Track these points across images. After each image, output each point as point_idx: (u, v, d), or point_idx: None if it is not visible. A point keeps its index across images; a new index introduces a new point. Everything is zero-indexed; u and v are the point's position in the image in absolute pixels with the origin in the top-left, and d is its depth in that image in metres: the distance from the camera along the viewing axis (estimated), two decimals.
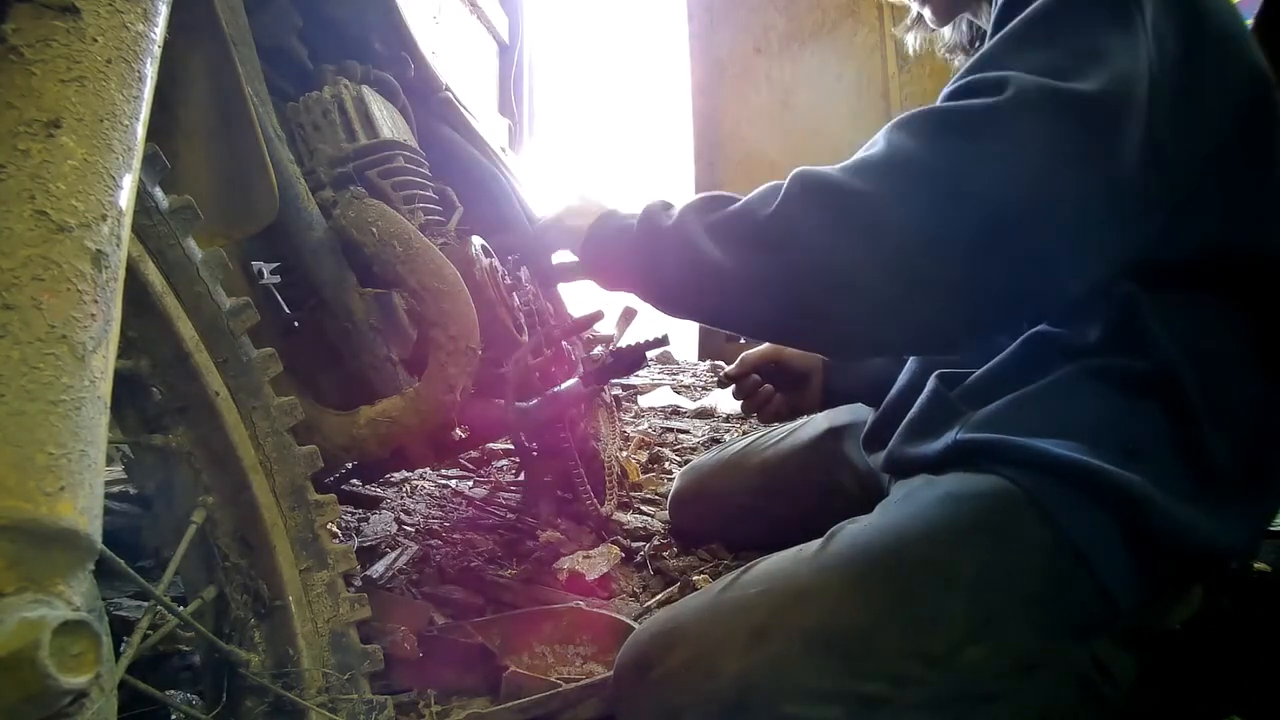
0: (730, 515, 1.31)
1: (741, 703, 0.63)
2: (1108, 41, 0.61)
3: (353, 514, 1.50)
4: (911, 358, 0.92)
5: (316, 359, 0.93)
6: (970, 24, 0.97)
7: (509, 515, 1.54)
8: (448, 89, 1.24)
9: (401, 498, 1.66)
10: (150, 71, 0.44)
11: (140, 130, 0.42)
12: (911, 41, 1.05)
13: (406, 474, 1.79)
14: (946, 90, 0.65)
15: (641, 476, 1.78)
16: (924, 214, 0.59)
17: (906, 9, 1.01)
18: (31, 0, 0.38)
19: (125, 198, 0.40)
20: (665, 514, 1.49)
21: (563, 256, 0.93)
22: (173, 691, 0.80)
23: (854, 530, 0.72)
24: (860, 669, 0.63)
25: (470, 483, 1.82)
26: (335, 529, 1.39)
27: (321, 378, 0.93)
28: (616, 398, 1.90)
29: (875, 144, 0.65)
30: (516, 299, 1.15)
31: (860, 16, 3.96)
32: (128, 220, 0.41)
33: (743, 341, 1.09)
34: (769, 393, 1.23)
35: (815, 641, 0.64)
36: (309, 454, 0.67)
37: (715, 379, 1.23)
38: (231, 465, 0.61)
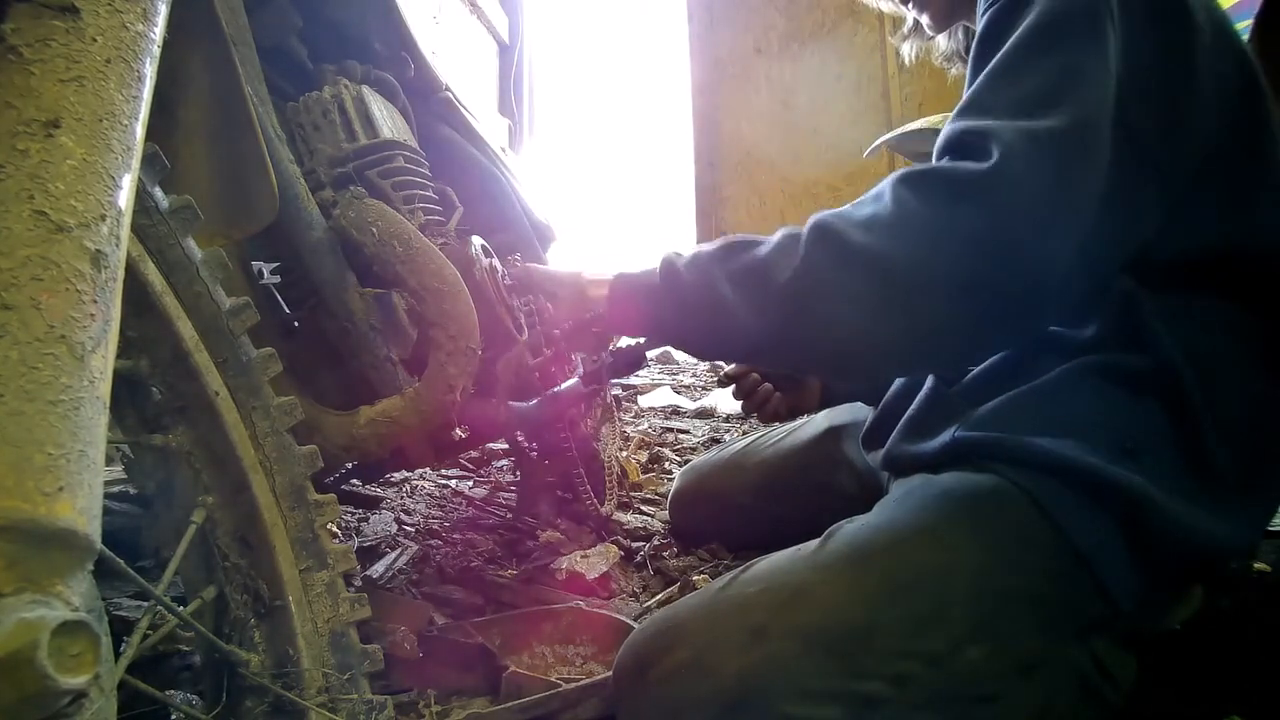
0: (730, 515, 1.31)
1: (741, 702, 0.63)
2: (1080, 61, 0.63)
3: (353, 514, 1.50)
4: None
5: (316, 359, 0.93)
6: (966, 30, 0.97)
7: (509, 515, 1.54)
8: (448, 89, 1.24)
9: (401, 498, 1.66)
10: (150, 71, 0.44)
11: (139, 130, 0.42)
12: (908, 51, 1.06)
13: (406, 474, 1.79)
14: (943, 136, 0.67)
15: (641, 476, 1.78)
16: (936, 274, 0.62)
17: (904, 17, 1.01)
18: (31, 0, 0.38)
19: (124, 198, 0.40)
20: (665, 514, 1.49)
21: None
22: (173, 691, 0.80)
23: (852, 529, 0.72)
24: (859, 668, 0.63)
25: (470, 483, 1.82)
26: (335, 529, 1.39)
27: (321, 378, 0.93)
28: (616, 398, 1.90)
29: (881, 197, 0.66)
30: (516, 299, 1.15)
31: (860, 17, 3.95)
32: (127, 220, 0.41)
33: None
34: (768, 392, 1.23)
35: (814, 641, 0.64)
36: (309, 454, 0.67)
37: (715, 379, 1.23)
38: (231, 465, 0.61)
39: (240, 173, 0.71)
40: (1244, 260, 0.68)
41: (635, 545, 1.36)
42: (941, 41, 0.99)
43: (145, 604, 0.85)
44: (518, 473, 1.80)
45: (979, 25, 0.71)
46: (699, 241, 4.66)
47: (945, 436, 0.74)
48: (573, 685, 0.82)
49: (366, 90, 1.00)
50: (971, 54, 0.71)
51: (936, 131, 2.81)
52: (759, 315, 0.69)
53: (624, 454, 1.86)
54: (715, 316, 0.71)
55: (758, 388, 1.23)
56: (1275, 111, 0.68)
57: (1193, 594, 0.74)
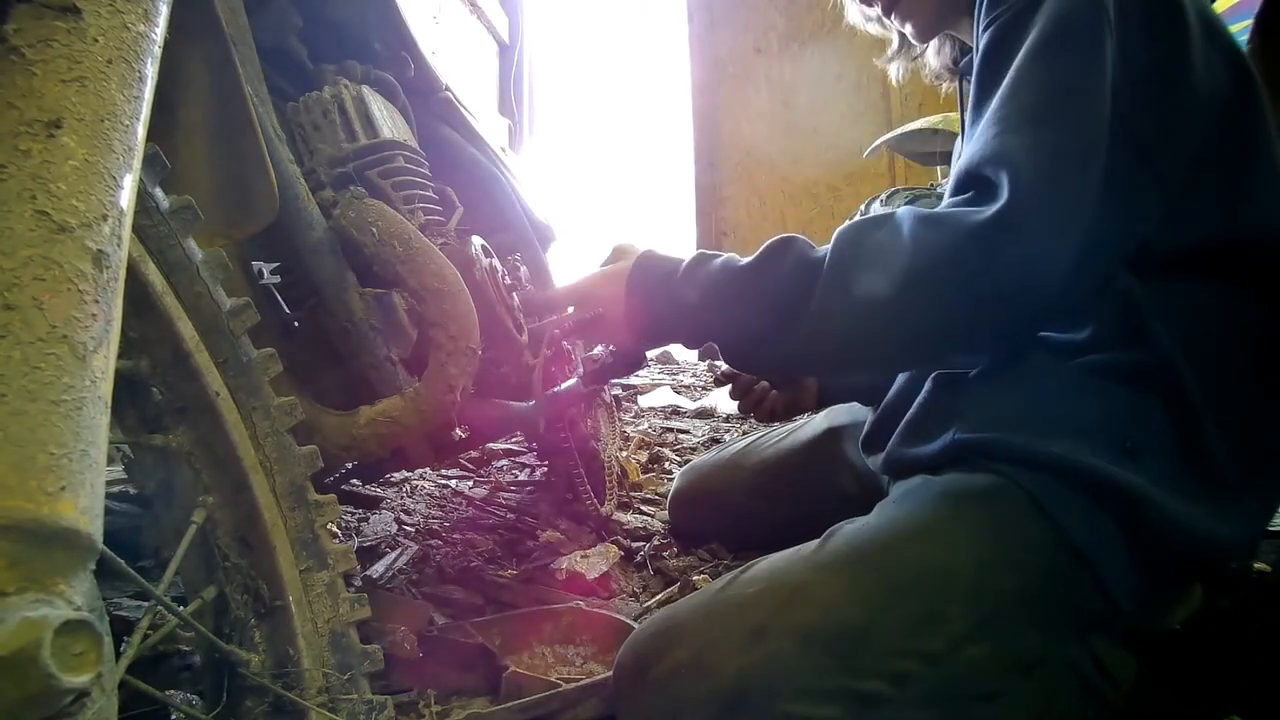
0: (730, 515, 1.31)
1: (740, 701, 0.63)
2: (1080, 78, 0.64)
3: (353, 514, 1.50)
4: None
5: (316, 359, 0.93)
6: (953, 41, 0.97)
7: (509, 515, 1.54)
8: (448, 89, 1.24)
9: (401, 498, 1.66)
10: (151, 71, 0.44)
11: (141, 130, 0.42)
12: (894, 72, 1.06)
13: (406, 474, 1.79)
14: (956, 173, 0.69)
15: (641, 476, 1.78)
16: (949, 318, 0.66)
17: (889, 38, 1.01)
18: (32, 0, 0.38)
19: (126, 198, 0.40)
20: (665, 514, 1.49)
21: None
22: (173, 691, 0.80)
23: (852, 530, 0.72)
24: (859, 667, 0.63)
25: (470, 483, 1.82)
26: (335, 529, 1.39)
27: (321, 378, 0.93)
28: (616, 398, 1.90)
29: (899, 232, 0.67)
30: (516, 299, 1.15)
31: None
32: (128, 220, 0.41)
33: None
34: (764, 390, 1.23)
35: (813, 640, 0.64)
36: (309, 454, 0.67)
37: (714, 378, 1.22)
38: (231, 465, 0.61)
39: (240, 173, 0.71)
40: (1242, 254, 0.68)
41: (635, 545, 1.36)
42: (931, 59, 1.00)
43: (145, 604, 0.85)
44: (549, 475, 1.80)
45: (980, 42, 0.71)
46: (698, 242, 4.66)
47: (945, 438, 0.74)
48: (573, 685, 0.82)
49: (366, 90, 1.00)
50: (976, 70, 0.72)
51: (936, 131, 2.82)
52: (774, 343, 0.73)
53: (624, 454, 1.86)
54: (751, 346, 0.76)
55: (754, 387, 1.23)
56: (1269, 106, 0.69)
57: (1193, 594, 0.74)
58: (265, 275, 0.92)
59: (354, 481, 1.31)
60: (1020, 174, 0.62)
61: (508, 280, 1.09)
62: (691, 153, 4.74)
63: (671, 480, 1.57)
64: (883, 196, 2.48)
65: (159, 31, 0.45)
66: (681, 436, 2.33)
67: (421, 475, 1.83)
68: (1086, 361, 0.70)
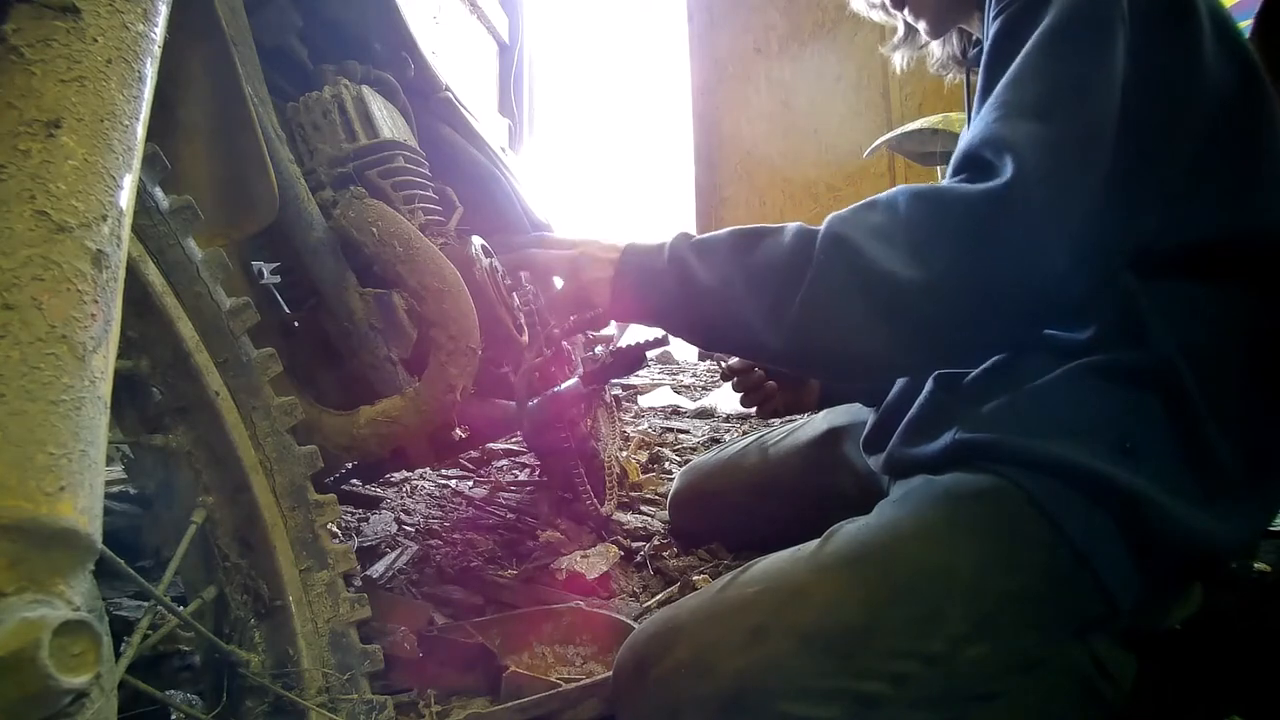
0: (730, 515, 1.31)
1: (740, 702, 0.63)
2: (1089, 68, 0.63)
3: (353, 514, 1.50)
4: None
5: (316, 359, 0.93)
6: (961, 33, 0.97)
7: (509, 515, 1.54)
8: (448, 89, 1.24)
9: (401, 498, 1.66)
10: (151, 71, 0.44)
11: (140, 130, 0.42)
12: (899, 60, 1.06)
13: (406, 474, 1.79)
14: (959, 151, 0.68)
15: (641, 476, 1.78)
16: (949, 294, 0.63)
17: (895, 26, 1.01)
18: (32, 0, 0.38)
19: (125, 198, 0.40)
20: (665, 514, 1.49)
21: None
22: (173, 691, 0.80)
23: (852, 530, 0.72)
24: (859, 668, 0.63)
25: (470, 483, 1.82)
26: (335, 529, 1.39)
27: (321, 378, 0.93)
28: (616, 398, 1.90)
29: (895, 209, 0.66)
30: (516, 299, 1.15)
31: (860, 17, 3.96)
32: (128, 220, 0.41)
33: None
34: (771, 389, 1.23)
35: (813, 640, 0.64)
36: (309, 454, 0.67)
37: (718, 374, 1.22)
38: (231, 465, 0.61)
39: (240, 173, 0.71)
40: (1244, 252, 0.68)
41: (635, 545, 1.36)
42: (936, 49, 0.99)
43: (145, 604, 0.85)
44: (533, 471, 1.80)
45: (990, 29, 0.71)
46: None
47: (946, 439, 0.74)
48: (573, 685, 0.82)
49: (366, 90, 1.00)
50: (984, 59, 0.71)
51: (936, 132, 2.81)
52: (772, 331, 0.68)
53: (624, 454, 1.86)
54: (726, 323, 0.71)
55: (761, 383, 1.23)
56: (1275, 104, 0.69)
57: (1193, 593, 0.74)
58: (265, 275, 0.92)
59: (354, 481, 1.31)
60: (1021, 156, 0.61)
61: (508, 280, 1.09)
62: (691, 153, 4.75)
63: (671, 480, 1.57)
64: None
65: (159, 31, 0.45)
66: (681, 436, 2.33)
67: (421, 475, 1.83)
68: (1086, 362, 0.70)
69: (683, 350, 4.46)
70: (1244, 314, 0.68)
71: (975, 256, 0.62)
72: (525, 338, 1.12)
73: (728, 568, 1.21)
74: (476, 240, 1.03)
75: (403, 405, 0.86)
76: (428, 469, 1.85)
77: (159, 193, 0.56)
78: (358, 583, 1.14)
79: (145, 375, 0.58)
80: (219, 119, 0.69)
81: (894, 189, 0.68)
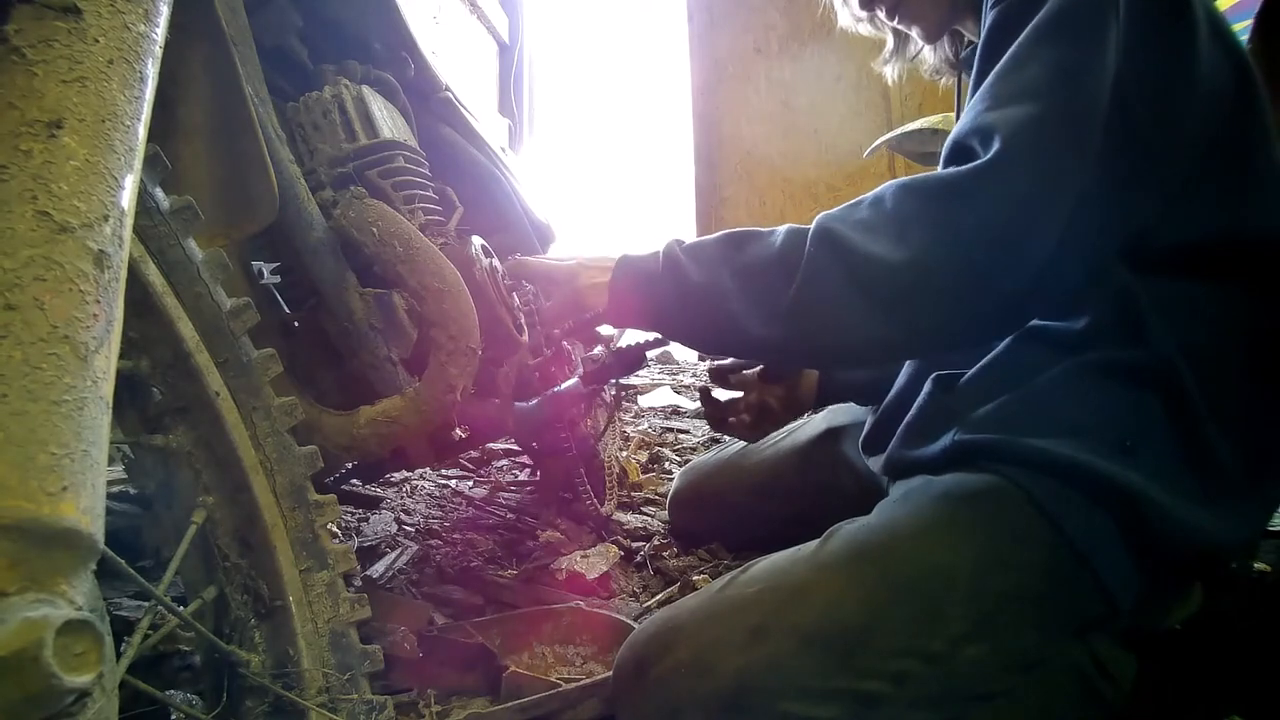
0: (730, 515, 1.31)
1: (740, 701, 0.63)
2: (1079, 56, 0.63)
3: (353, 514, 1.50)
4: (909, 362, 0.92)
5: (316, 359, 0.93)
6: (952, 35, 0.97)
7: (509, 515, 1.54)
8: (448, 89, 1.24)
9: (401, 498, 1.66)
10: (152, 72, 0.44)
11: (142, 130, 0.42)
12: (890, 73, 1.05)
13: (406, 474, 1.79)
14: (948, 144, 0.68)
15: (641, 476, 1.78)
16: (936, 275, 0.63)
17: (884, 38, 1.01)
18: (33, 1, 0.38)
19: (127, 198, 0.40)
20: (665, 514, 1.49)
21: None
22: (173, 691, 0.80)
23: (852, 530, 0.72)
24: (859, 667, 0.63)
25: (470, 483, 1.82)
26: (335, 529, 1.39)
27: (321, 378, 0.93)
28: (616, 398, 1.90)
29: (881, 202, 0.67)
30: (516, 299, 1.15)
31: None
32: (130, 220, 0.41)
33: None
34: (759, 406, 1.22)
35: (813, 640, 0.64)
36: (309, 454, 0.67)
37: (710, 367, 1.22)
38: (232, 465, 0.61)
39: (240, 173, 0.71)
40: (1242, 252, 0.68)
41: (635, 545, 1.36)
42: (928, 56, 0.99)
43: (146, 604, 0.85)
44: (531, 472, 1.80)
45: (985, 20, 0.71)
46: None
47: (945, 440, 0.74)
48: (573, 685, 0.82)
49: (366, 90, 1.00)
50: (978, 54, 0.72)
51: (936, 131, 2.82)
52: (765, 324, 0.69)
53: (624, 454, 1.86)
54: (721, 320, 0.71)
55: (750, 405, 1.22)
56: (1269, 107, 0.69)
57: (1192, 593, 0.74)
58: (265, 275, 0.92)
59: (354, 481, 1.31)
60: (1006, 135, 0.62)
61: (508, 280, 1.09)
62: (691, 153, 4.74)
63: (671, 480, 1.57)
64: None
65: (160, 32, 0.45)
66: (681, 436, 2.32)
67: (421, 475, 1.83)
68: (1084, 361, 0.70)
69: (683, 350, 4.46)
70: (1244, 314, 0.68)
71: (956, 229, 0.62)
72: (525, 338, 1.12)
73: (728, 568, 1.21)
74: (476, 240, 1.03)
75: (403, 405, 0.86)
76: (428, 469, 1.85)
77: (160, 193, 0.56)
78: (358, 583, 1.14)
79: (146, 375, 0.58)
80: (219, 119, 0.69)
81: (884, 184, 0.68)
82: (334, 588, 0.65)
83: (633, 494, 1.66)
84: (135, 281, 0.54)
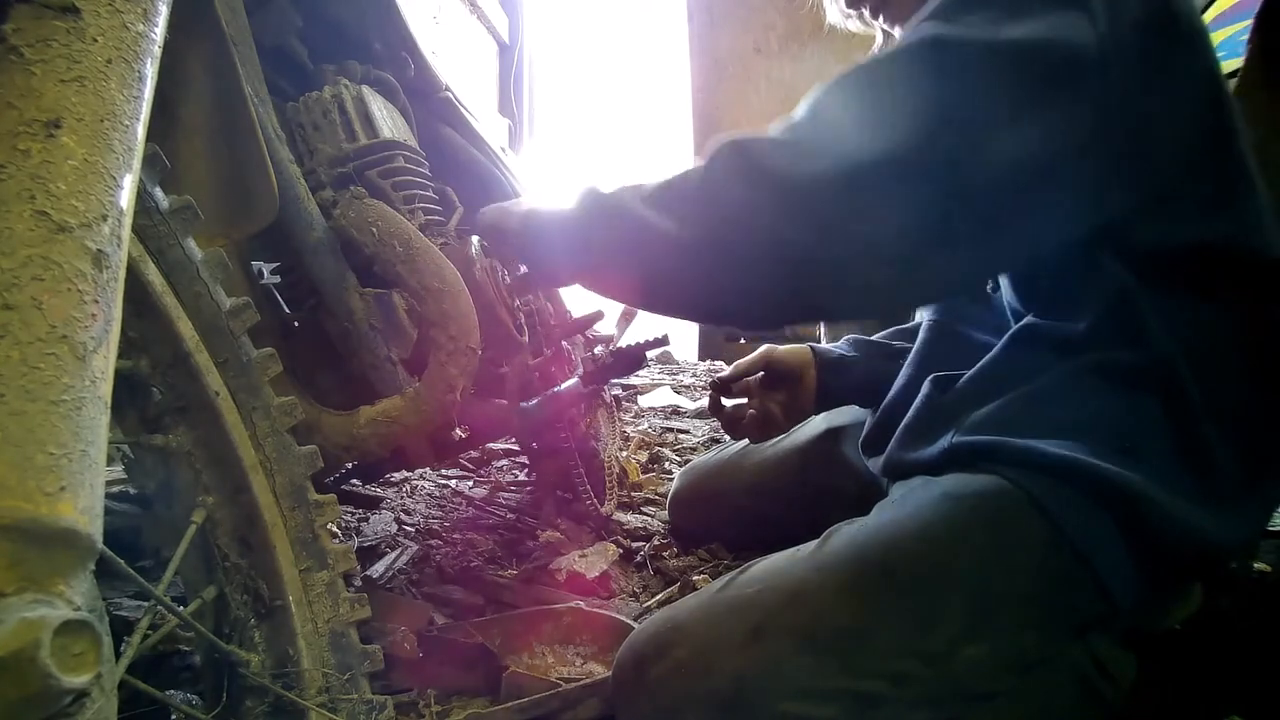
0: (729, 515, 1.31)
1: (739, 701, 0.63)
2: (1046, 20, 0.60)
3: (353, 514, 1.50)
4: (908, 362, 0.92)
5: (316, 359, 0.93)
6: None
7: (509, 515, 1.54)
8: (448, 89, 1.24)
9: (401, 498, 1.66)
10: (151, 71, 0.44)
11: (141, 130, 0.42)
12: None
13: (406, 474, 1.79)
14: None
15: (641, 476, 1.78)
16: (840, 165, 0.59)
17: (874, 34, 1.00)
18: (31, 0, 0.38)
19: (126, 198, 0.40)
20: (665, 514, 1.49)
21: None
22: (173, 691, 0.80)
23: (851, 530, 0.72)
24: (857, 667, 0.63)
25: (470, 483, 1.82)
26: (335, 529, 1.39)
27: (321, 378, 0.93)
28: (616, 398, 1.90)
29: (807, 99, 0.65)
30: (516, 299, 1.15)
31: None
32: (128, 220, 0.41)
33: (743, 341, 1.09)
34: (763, 411, 1.21)
35: (812, 640, 0.64)
36: (309, 454, 0.67)
37: (711, 380, 1.21)
38: (231, 465, 0.61)
39: (240, 173, 0.71)
40: (1228, 258, 0.67)
41: (635, 545, 1.36)
42: None
43: (145, 604, 0.85)
44: (528, 472, 1.80)
45: None
46: None
47: (943, 442, 0.74)
48: (573, 685, 0.82)
49: (366, 90, 1.00)
50: None
51: None
52: (677, 221, 0.65)
53: (624, 454, 1.86)
54: (633, 230, 0.68)
55: (752, 413, 1.21)
56: (1241, 118, 0.68)
57: (1192, 593, 0.74)
58: (265, 275, 0.92)
59: (354, 481, 1.31)
60: (963, 48, 0.59)
61: (507, 280, 1.09)
62: (692, 153, 4.74)
63: (671, 480, 1.57)
64: None
65: (158, 31, 0.45)
66: (681, 436, 2.32)
67: (421, 475, 1.83)
68: (1082, 362, 0.70)
69: (683, 350, 4.46)
70: (1234, 319, 0.68)
71: (876, 106, 0.61)
72: (525, 338, 1.12)
73: (728, 568, 1.21)
74: (476, 240, 1.03)
75: (403, 405, 0.86)
76: (428, 469, 1.85)
77: (159, 192, 0.56)
78: (358, 583, 1.14)
79: (145, 375, 0.58)
80: (219, 119, 0.70)
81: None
82: (334, 588, 0.65)
83: (633, 494, 1.66)
84: (135, 281, 0.54)
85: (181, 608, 0.56)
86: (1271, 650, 0.80)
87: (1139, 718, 0.73)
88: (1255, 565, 0.87)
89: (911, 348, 0.94)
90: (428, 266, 0.87)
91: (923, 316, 0.95)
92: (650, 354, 1.16)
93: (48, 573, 0.33)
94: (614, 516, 1.49)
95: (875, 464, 0.91)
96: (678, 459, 2.01)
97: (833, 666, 0.63)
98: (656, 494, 1.69)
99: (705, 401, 2.82)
